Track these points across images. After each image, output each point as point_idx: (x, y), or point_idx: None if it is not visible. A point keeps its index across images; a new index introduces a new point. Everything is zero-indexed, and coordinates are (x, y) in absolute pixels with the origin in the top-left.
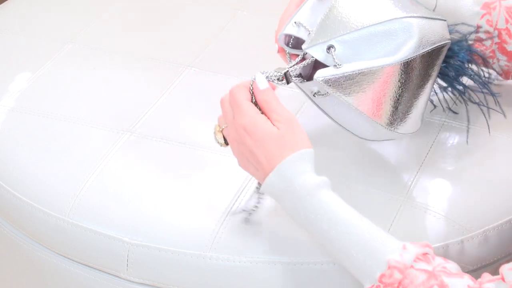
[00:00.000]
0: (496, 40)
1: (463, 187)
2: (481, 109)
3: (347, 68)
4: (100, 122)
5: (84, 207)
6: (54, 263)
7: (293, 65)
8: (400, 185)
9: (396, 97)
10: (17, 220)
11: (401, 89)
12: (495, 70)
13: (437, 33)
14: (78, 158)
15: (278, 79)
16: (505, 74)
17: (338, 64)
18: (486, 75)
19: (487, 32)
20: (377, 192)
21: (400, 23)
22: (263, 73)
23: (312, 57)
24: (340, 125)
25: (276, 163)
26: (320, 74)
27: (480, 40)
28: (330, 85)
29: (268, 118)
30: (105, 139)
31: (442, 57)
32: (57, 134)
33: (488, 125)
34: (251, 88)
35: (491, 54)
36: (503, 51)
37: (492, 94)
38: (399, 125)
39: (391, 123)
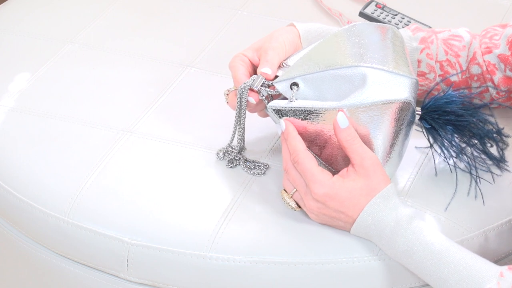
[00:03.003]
0: (439, 72)
1: (463, 187)
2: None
3: (297, 103)
4: (100, 122)
5: (84, 207)
6: (54, 263)
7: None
8: (399, 186)
9: None
10: (17, 220)
11: None
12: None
13: (391, 90)
14: (78, 158)
15: (267, 85)
16: None
17: (292, 99)
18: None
19: (428, 65)
20: None
21: (357, 70)
22: (253, 81)
23: (277, 91)
24: None
25: (357, 212)
26: (272, 103)
27: (423, 74)
28: (279, 116)
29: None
30: (105, 139)
31: (403, 116)
32: (57, 134)
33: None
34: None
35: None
36: (447, 82)
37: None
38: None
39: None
